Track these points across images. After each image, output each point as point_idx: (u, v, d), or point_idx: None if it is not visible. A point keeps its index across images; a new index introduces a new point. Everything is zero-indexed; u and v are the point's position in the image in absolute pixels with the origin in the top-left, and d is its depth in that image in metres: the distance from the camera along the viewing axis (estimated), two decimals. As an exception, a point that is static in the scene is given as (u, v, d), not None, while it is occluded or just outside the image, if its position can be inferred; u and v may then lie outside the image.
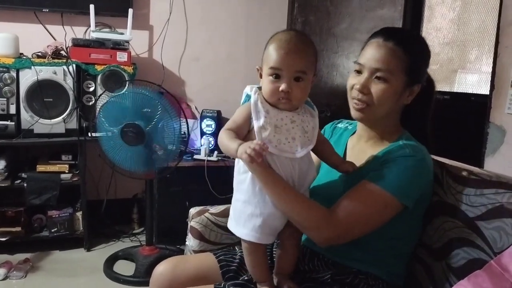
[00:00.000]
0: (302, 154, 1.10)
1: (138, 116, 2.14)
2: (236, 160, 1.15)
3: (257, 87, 1.14)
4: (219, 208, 1.56)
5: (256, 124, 1.07)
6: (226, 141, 1.08)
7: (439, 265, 1.20)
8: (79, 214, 2.65)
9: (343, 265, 1.20)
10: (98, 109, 2.32)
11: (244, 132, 1.11)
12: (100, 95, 2.41)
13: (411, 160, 1.12)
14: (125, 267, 2.46)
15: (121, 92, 2.15)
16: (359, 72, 1.19)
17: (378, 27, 1.26)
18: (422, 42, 1.24)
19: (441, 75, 2.93)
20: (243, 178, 1.14)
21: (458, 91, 2.82)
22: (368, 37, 1.25)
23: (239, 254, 1.35)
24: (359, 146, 1.29)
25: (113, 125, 2.16)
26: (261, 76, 1.14)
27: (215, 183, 2.74)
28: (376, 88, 1.15)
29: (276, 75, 1.08)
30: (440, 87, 2.88)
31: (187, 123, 2.38)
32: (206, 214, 1.53)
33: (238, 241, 1.50)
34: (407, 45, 1.17)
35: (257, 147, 0.99)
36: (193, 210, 1.58)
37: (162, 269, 1.33)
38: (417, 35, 1.29)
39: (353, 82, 1.20)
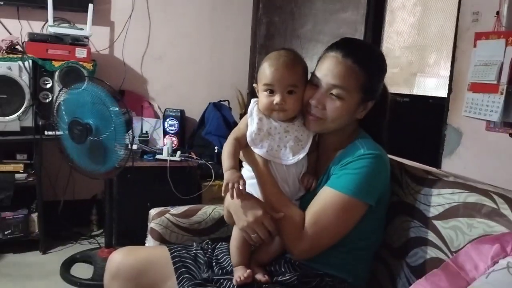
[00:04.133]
0: (292, 162, 1.20)
1: (93, 113, 2.06)
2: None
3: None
4: (180, 209, 1.53)
5: (248, 129, 1.21)
6: (225, 156, 1.21)
7: (399, 264, 1.23)
8: (34, 216, 2.54)
9: (309, 267, 1.21)
10: (55, 106, 2.23)
11: (245, 138, 1.22)
12: (60, 91, 2.32)
13: (367, 158, 1.14)
14: (83, 270, 2.38)
15: (80, 89, 2.08)
16: (315, 85, 1.20)
17: (341, 30, 1.27)
18: (380, 59, 1.23)
19: (401, 78, 3.01)
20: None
21: (417, 93, 2.90)
22: (326, 47, 1.23)
23: (193, 251, 1.35)
24: (321, 147, 1.30)
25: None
26: (257, 92, 1.24)
27: (178, 183, 2.70)
28: (331, 104, 1.16)
29: (270, 90, 1.19)
30: (400, 89, 2.96)
31: (156, 122, 2.32)
32: (167, 215, 1.50)
33: (200, 243, 1.49)
34: (365, 63, 1.16)
35: (240, 187, 1.13)
36: (153, 211, 1.54)
37: (114, 256, 1.34)
38: (375, 51, 1.27)
39: (309, 94, 1.20)
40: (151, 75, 3.10)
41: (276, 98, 1.17)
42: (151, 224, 1.49)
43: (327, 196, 1.14)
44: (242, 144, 1.23)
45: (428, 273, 0.98)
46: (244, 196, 1.16)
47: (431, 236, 1.15)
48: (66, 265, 2.40)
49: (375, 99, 1.22)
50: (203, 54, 3.20)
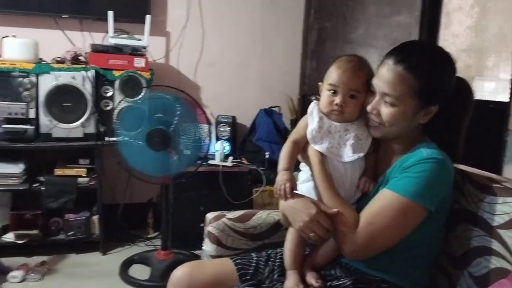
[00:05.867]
0: (350, 159, 1.22)
1: (156, 121, 2.15)
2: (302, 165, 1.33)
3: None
4: (236, 213, 1.56)
5: (308, 127, 1.24)
6: (281, 158, 1.27)
7: (460, 273, 1.19)
8: (95, 218, 2.67)
9: (365, 273, 1.20)
10: (116, 114, 2.34)
11: (304, 139, 1.26)
12: (120, 101, 2.44)
13: (430, 163, 1.12)
14: (140, 271, 2.47)
15: (141, 97, 2.17)
16: (373, 92, 1.20)
17: (395, 34, 1.27)
18: (442, 62, 1.17)
19: (458, 82, 2.90)
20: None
21: (476, 98, 2.79)
22: (380, 51, 1.26)
23: (255, 259, 1.37)
24: (382, 152, 1.29)
25: (132, 130, 2.19)
26: (320, 91, 1.28)
27: (230, 188, 2.75)
28: (385, 111, 1.17)
29: (334, 91, 1.22)
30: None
31: (209, 128, 2.40)
32: (223, 219, 1.54)
33: (255, 247, 1.52)
34: (419, 68, 1.13)
35: (287, 189, 1.19)
36: (210, 215, 1.58)
37: (179, 273, 1.34)
38: (436, 54, 1.20)
39: (368, 101, 1.21)
40: (204, 82, 3.18)
41: (337, 99, 1.21)
42: (208, 228, 1.53)
43: (385, 198, 1.13)
44: (300, 146, 1.27)
45: (492, 283, 0.95)
46: (295, 196, 1.19)
47: (496, 246, 1.11)
48: (125, 266, 2.50)
49: (439, 104, 1.18)
50: (253, 60, 3.25)
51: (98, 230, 2.67)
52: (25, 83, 2.47)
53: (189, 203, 2.74)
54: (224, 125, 3.04)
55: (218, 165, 2.78)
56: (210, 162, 2.81)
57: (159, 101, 2.10)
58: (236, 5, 3.18)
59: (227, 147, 2.97)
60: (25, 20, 2.78)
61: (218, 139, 3.04)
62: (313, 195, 1.23)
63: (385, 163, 1.25)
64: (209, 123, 3.15)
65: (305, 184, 1.27)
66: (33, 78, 2.49)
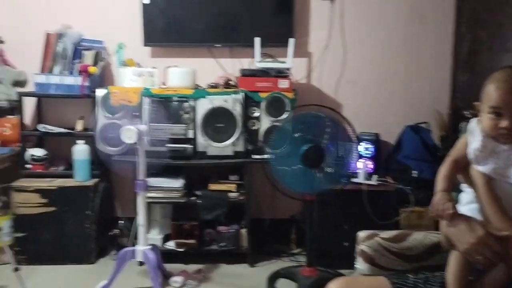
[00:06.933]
0: None
1: (303, 139, 2.23)
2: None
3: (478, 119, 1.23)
4: (390, 233, 1.53)
5: (470, 146, 1.18)
6: (439, 178, 1.22)
7: None
8: (243, 231, 2.84)
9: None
10: (264, 133, 2.47)
11: (465, 159, 1.21)
12: (277, 120, 2.58)
13: None
14: (285, 286, 2.53)
15: (289, 116, 2.28)
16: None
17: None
18: None
19: None
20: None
21: None
22: None
23: (412, 279, 1.31)
24: None
25: (279, 147, 2.30)
26: (479, 112, 1.22)
27: (374, 207, 2.69)
28: None
29: (497, 113, 1.14)
30: None
31: (352, 146, 2.40)
32: (377, 238, 1.51)
33: (411, 269, 1.46)
34: None
35: (450, 209, 1.13)
36: (362, 234, 1.57)
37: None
38: None
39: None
40: (346, 100, 3.19)
41: (504, 123, 1.12)
42: (361, 246, 1.52)
43: None
44: (460, 166, 1.21)
45: None
46: (458, 217, 1.12)
47: None
48: (271, 280, 2.59)
49: None
50: (397, 75, 3.16)
51: (246, 242, 2.82)
52: (185, 107, 2.77)
53: (332, 220, 2.75)
54: (367, 143, 2.99)
55: (362, 184, 2.74)
56: (353, 180, 2.79)
57: (308, 120, 2.17)
58: (379, 21, 3.14)
59: (370, 165, 2.91)
60: (185, 51, 3.13)
61: (360, 157, 3.00)
62: (477, 217, 1.15)
63: None
64: (351, 140, 3.15)
65: (468, 206, 1.20)
66: (192, 102, 2.77)
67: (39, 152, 2.93)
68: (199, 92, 2.78)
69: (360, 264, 1.51)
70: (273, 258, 2.94)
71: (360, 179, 2.79)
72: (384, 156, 3.07)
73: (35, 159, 2.91)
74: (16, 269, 2.28)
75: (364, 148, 2.99)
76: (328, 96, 3.18)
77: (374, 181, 2.76)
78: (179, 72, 2.87)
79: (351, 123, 3.17)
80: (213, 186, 2.83)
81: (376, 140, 2.99)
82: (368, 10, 3.14)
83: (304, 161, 2.25)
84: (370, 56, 3.17)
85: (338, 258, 2.62)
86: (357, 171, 2.85)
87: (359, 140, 3.02)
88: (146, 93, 2.76)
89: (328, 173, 2.39)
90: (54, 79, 2.89)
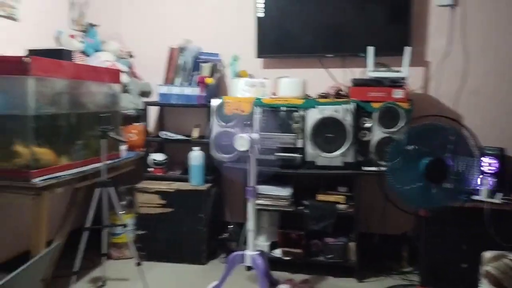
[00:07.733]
0: None
1: (419, 152, 2.12)
2: None
3: None
4: (523, 255, 1.38)
5: None
6: None
7: None
8: (351, 244, 2.77)
9: None
10: (380, 145, 2.40)
11: None
12: (390, 131, 2.52)
13: None
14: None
15: (409, 128, 2.19)
16: None
17: None
18: None
19: None
20: None
21: None
22: None
23: None
24: None
25: (395, 159, 2.21)
26: None
27: (496, 227, 2.45)
28: None
29: None
30: None
31: (473, 161, 2.23)
32: (505, 260, 1.38)
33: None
34: None
35: None
36: (488, 254, 1.45)
37: None
38: None
39: None
40: (467, 111, 2.97)
41: None
42: (487, 268, 1.40)
43: None
44: None
45: None
46: None
47: None
48: (381, 297, 2.50)
49: None
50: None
51: (354, 256, 2.75)
52: (295, 117, 2.80)
53: (449, 239, 2.56)
54: (490, 158, 2.74)
55: (483, 202, 2.52)
56: (474, 197, 2.57)
57: (427, 131, 2.07)
58: (506, 28, 2.88)
59: (493, 182, 2.66)
60: (295, 62, 3.18)
61: (482, 173, 2.76)
62: None
63: None
64: (473, 154, 2.92)
65: None
66: (302, 112, 2.79)
67: (160, 157, 3.18)
68: (309, 102, 2.80)
69: (485, 286, 1.39)
70: (382, 274, 2.82)
71: (482, 196, 2.56)
72: (509, 173, 2.79)
73: (156, 163, 3.16)
74: (138, 264, 2.49)
75: (486, 163, 2.74)
76: (447, 107, 2.99)
77: (498, 199, 2.52)
78: (289, 82, 2.92)
79: (475, 135, 2.95)
80: (321, 197, 2.81)
81: (500, 155, 2.73)
82: (494, 16, 2.90)
83: (426, 176, 2.14)
84: (494, 65, 2.92)
85: (454, 280, 2.45)
86: (478, 188, 2.62)
87: (482, 154, 2.79)
88: (258, 103, 2.85)
89: (447, 188, 2.24)
90: (175, 90, 3.13)
